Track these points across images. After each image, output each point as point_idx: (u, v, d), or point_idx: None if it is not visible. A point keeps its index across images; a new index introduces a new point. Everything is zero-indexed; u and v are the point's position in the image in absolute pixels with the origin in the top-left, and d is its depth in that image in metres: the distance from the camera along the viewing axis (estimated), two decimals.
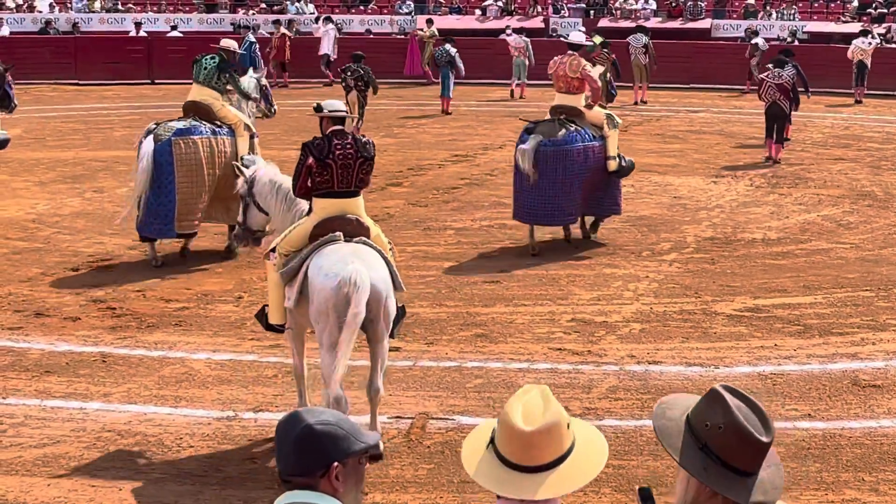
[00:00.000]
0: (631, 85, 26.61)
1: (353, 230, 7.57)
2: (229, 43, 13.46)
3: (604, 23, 31.29)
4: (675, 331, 10.08)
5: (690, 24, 33.03)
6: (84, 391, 8.61)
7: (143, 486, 7.09)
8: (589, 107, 12.93)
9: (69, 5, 33.92)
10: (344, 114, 7.88)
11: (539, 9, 33.92)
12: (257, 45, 28.64)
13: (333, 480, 3.03)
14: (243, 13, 33.73)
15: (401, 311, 7.92)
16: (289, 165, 8.41)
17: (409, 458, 7.49)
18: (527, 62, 27.52)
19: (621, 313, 10.55)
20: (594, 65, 15.03)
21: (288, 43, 28.99)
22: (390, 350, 9.39)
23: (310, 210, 7.75)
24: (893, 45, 29.97)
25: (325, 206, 7.60)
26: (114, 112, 24.47)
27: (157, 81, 29.47)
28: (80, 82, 29.11)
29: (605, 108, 13.70)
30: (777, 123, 18.60)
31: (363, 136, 8.09)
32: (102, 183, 16.68)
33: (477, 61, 27.87)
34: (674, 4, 33.74)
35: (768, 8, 33.43)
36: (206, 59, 12.78)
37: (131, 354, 9.43)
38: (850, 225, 14.30)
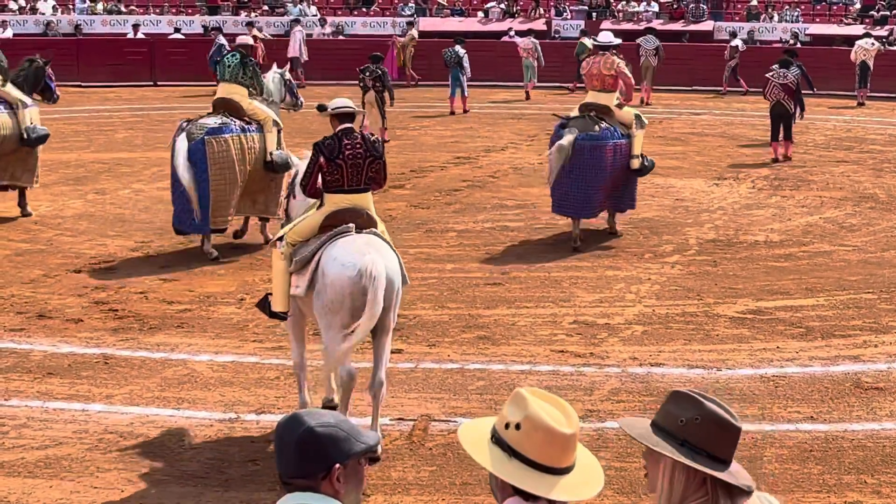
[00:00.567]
0: (639, 87, 26.64)
1: (364, 223, 7.70)
2: (246, 39, 14.06)
3: (606, 25, 31.26)
4: (677, 333, 10.08)
5: (693, 27, 33.03)
6: (86, 393, 8.61)
7: (145, 487, 7.09)
8: (620, 106, 13.38)
9: (72, 6, 33.93)
10: (349, 110, 7.87)
11: (541, 11, 33.93)
12: (227, 48, 28.56)
13: (335, 482, 3.03)
14: (245, 15, 33.74)
15: None
16: None
17: (410, 461, 7.48)
18: (535, 63, 27.92)
19: (623, 315, 10.55)
20: (641, 61, 15.61)
21: (261, 45, 28.79)
22: (392, 352, 9.42)
23: (320, 203, 7.86)
24: (895, 48, 29.95)
25: (336, 200, 7.73)
26: (116, 114, 24.48)
27: (159, 83, 29.50)
28: (83, 84, 29.14)
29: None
30: (783, 122, 18.90)
31: (371, 134, 8.11)
32: (104, 185, 16.69)
33: (479, 64, 27.86)
34: (675, 6, 33.75)
35: (770, 10, 33.42)
36: (227, 58, 13.17)
37: (133, 356, 9.43)
38: (852, 227, 14.29)
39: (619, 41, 15.05)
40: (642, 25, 31.07)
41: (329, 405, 8.14)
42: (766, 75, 19.15)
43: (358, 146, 7.67)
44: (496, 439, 3.01)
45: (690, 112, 25.65)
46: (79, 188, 15.93)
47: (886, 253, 12.98)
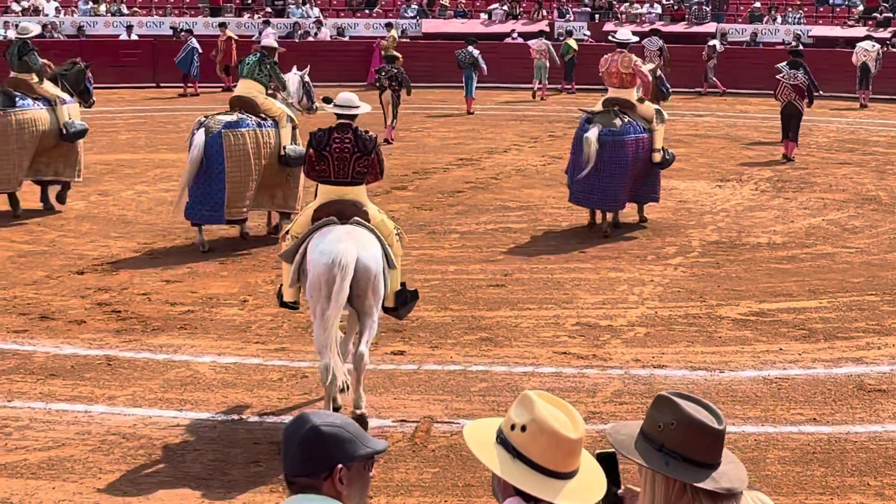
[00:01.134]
0: None
1: (350, 212, 7.99)
2: (269, 42, 14.58)
3: (608, 27, 31.26)
4: (680, 335, 10.07)
5: (696, 28, 33.00)
6: (89, 394, 8.61)
7: (148, 489, 7.09)
8: (641, 100, 13.87)
9: (75, 7, 33.94)
10: (349, 110, 8.14)
11: (544, 12, 33.92)
12: (199, 50, 28.53)
13: (337, 483, 3.02)
14: (248, 17, 33.75)
15: (413, 295, 8.39)
16: None
17: (413, 462, 7.48)
18: (548, 64, 28.24)
19: (626, 317, 10.55)
20: (645, 62, 15.95)
21: (234, 46, 28.73)
22: (395, 354, 9.44)
23: (315, 196, 8.26)
24: None
25: (326, 192, 8.13)
26: (118, 115, 24.48)
27: (161, 85, 29.52)
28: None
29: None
30: (792, 122, 19.15)
31: (366, 131, 8.23)
32: (107, 186, 16.70)
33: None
34: (676, 8, 33.73)
35: (773, 12, 33.39)
36: (248, 58, 13.79)
37: (136, 357, 9.43)
38: (855, 229, 14.28)
39: (636, 39, 15.31)
40: (646, 27, 31.03)
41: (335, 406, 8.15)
42: (777, 77, 19.25)
43: (347, 141, 8.03)
44: (501, 440, 3.01)
45: (693, 114, 25.64)
46: (81, 189, 15.92)
47: (889, 255, 12.96)
